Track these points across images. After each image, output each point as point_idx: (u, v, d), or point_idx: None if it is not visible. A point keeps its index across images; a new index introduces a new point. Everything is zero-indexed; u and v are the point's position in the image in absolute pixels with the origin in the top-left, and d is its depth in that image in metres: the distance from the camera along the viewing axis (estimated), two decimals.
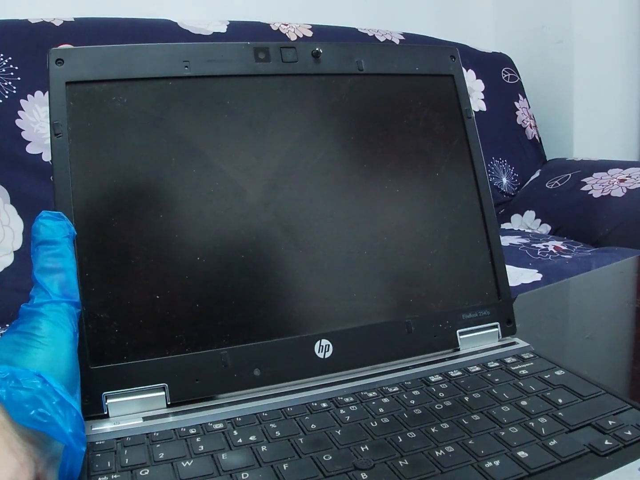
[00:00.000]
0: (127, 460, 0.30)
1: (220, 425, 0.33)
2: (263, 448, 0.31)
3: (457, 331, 0.42)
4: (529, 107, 1.73)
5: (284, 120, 0.40)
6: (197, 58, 0.39)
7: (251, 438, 0.32)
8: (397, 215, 0.42)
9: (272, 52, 0.40)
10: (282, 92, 0.41)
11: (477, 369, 0.39)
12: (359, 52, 0.42)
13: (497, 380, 0.38)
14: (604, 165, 1.48)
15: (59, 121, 0.35)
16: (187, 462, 0.30)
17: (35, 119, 1.08)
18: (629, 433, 0.31)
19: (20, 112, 1.07)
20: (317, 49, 0.41)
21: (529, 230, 1.47)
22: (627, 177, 1.39)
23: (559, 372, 0.38)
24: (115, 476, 0.29)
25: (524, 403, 0.35)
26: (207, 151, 0.38)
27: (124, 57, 0.37)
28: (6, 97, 1.07)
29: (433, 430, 0.32)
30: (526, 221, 1.51)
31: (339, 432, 0.32)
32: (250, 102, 0.40)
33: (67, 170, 0.35)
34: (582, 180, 1.46)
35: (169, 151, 0.37)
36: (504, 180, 1.64)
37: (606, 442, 0.30)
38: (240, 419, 0.34)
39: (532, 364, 0.40)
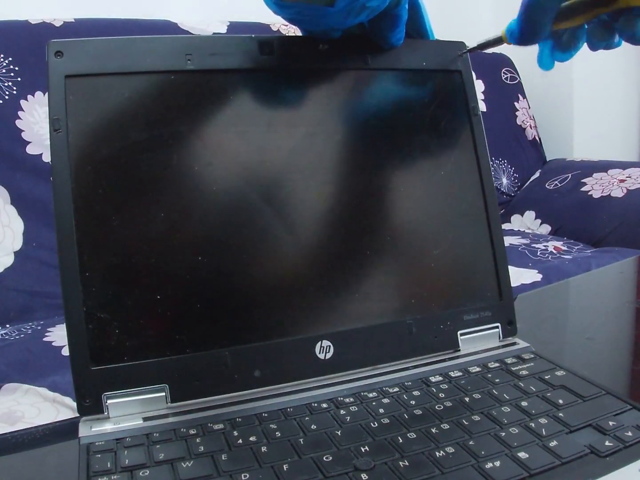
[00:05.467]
0: (127, 460, 0.30)
1: (220, 426, 0.33)
2: (263, 449, 0.31)
3: (458, 332, 0.42)
4: (529, 108, 1.73)
5: (288, 115, 0.40)
6: (200, 51, 0.38)
7: (251, 438, 0.32)
8: (401, 214, 0.42)
9: (277, 46, 0.39)
10: (287, 87, 0.40)
11: (478, 369, 0.39)
12: (366, 47, 0.42)
13: (497, 380, 0.37)
14: (603, 166, 1.48)
15: (58, 116, 0.35)
16: (187, 463, 0.30)
17: (36, 120, 1.08)
18: (630, 434, 0.31)
19: (20, 113, 1.07)
20: (322, 43, 0.41)
21: (529, 231, 1.47)
22: (627, 177, 1.39)
23: (559, 373, 0.38)
24: (115, 477, 0.29)
25: (524, 404, 0.34)
26: (209, 147, 0.38)
27: (126, 50, 0.36)
28: (6, 97, 1.07)
29: (433, 430, 0.32)
30: (526, 221, 1.51)
31: (339, 433, 0.32)
32: (254, 96, 0.39)
33: (67, 167, 0.35)
34: (582, 180, 1.46)
35: (171, 147, 0.37)
36: (504, 180, 1.64)
37: (607, 443, 0.30)
38: (240, 420, 0.34)
39: (532, 364, 0.40)
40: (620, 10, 0.38)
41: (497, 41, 0.41)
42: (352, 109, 0.41)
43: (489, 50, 1.70)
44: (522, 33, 0.38)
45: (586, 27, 0.41)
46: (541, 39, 0.39)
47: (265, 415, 0.34)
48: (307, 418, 0.34)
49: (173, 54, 0.37)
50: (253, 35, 0.39)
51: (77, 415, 0.34)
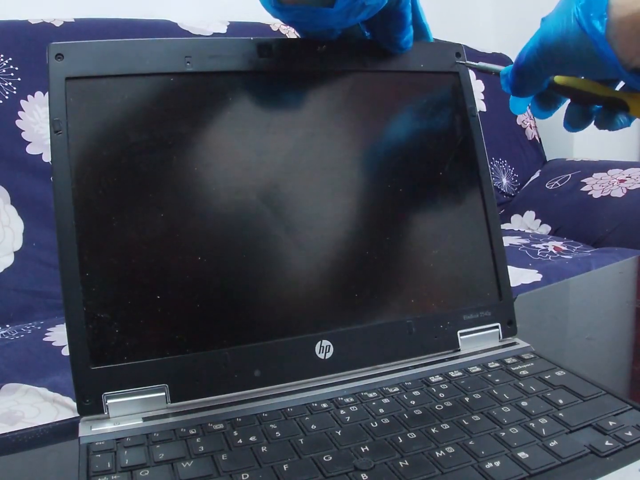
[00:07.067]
0: (126, 460, 0.30)
1: (220, 426, 0.33)
2: (263, 449, 0.31)
3: (458, 332, 0.42)
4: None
5: (287, 117, 0.40)
6: (199, 53, 0.38)
7: (251, 438, 0.32)
8: (400, 214, 0.42)
9: (276, 48, 0.40)
10: (285, 89, 0.40)
11: (478, 369, 0.39)
12: (364, 49, 0.42)
13: (497, 380, 0.38)
14: (603, 166, 1.48)
15: (58, 118, 0.35)
16: (187, 463, 0.30)
17: (36, 120, 1.08)
18: (630, 434, 0.31)
19: (20, 113, 1.07)
20: (321, 45, 0.41)
21: (529, 231, 1.47)
22: (627, 177, 1.39)
23: (559, 373, 0.38)
24: (115, 477, 0.29)
25: (524, 404, 0.34)
26: (208, 149, 0.38)
27: (125, 52, 0.37)
28: (6, 97, 1.07)
29: (433, 430, 0.32)
30: (526, 221, 1.51)
31: (339, 433, 0.32)
32: (253, 98, 0.39)
33: (67, 168, 0.35)
34: (582, 180, 1.45)
35: (170, 149, 0.37)
36: (504, 180, 1.64)
37: (607, 443, 0.30)
38: (240, 420, 0.34)
39: (532, 364, 0.40)
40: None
41: (496, 74, 0.41)
42: (350, 111, 0.42)
43: (489, 50, 1.71)
44: (514, 88, 0.38)
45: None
46: (532, 95, 0.39)
47: (265, 415, 0.34)
48: (307, 418, 0.34)
49: (172, 56, 0.38)
50: (252, 38, 0.39)
51: (77, 415, 0.34)
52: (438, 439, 0.31)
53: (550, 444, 0.30)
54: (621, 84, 0.36)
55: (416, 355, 0.41)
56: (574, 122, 0.39)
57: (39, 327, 0.95)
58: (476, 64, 0.43)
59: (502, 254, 0.44)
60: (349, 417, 0.34)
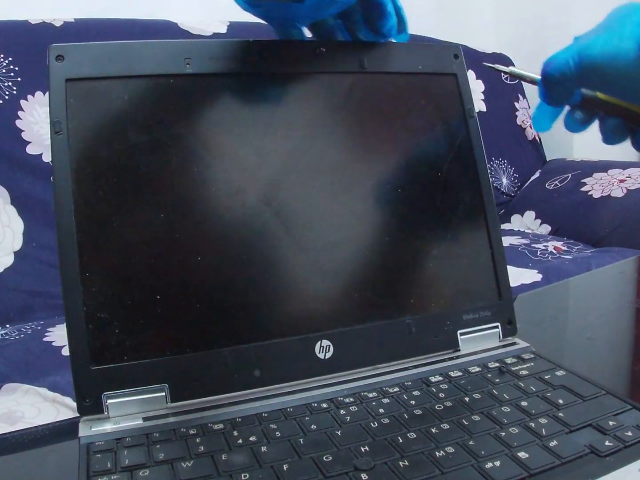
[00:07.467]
0: (126, 460, 0.30)
1: (220, 426, 0.33)
2: (263, 449, 0.31)
3: (458, 332, 0.42)
4: (529, 108, 1.73)
5: (286, 118, 0.40)
6: (198, 55, 0.38)
7: (251, 438, 0.32)
8: (399, 215, 0.42)
9: (275, 50, 0.40)
10: (285, 91, 0.40)
11: (478, 369, 0.39)
12: (362, 51, 0.42)
13: (497, 380, 0.38)
14: (603, 166, 1.48)
15: (59, 119, 0.35)
16: (187, 463, 0.30)
17: (36, 120, 1.08)
18: (630, 434, 0.31)
19: (20, 113, 1.07)
20: (320, 47, 0.41)
21: (529, 231, 1.47)
22: (627, 177, 1.39)
23: (559, 373, 0.38)
24: (115, 477, 0.29)
25: (524, 403, 0.34)
26: (208, 150, 0.38)
27: (125, 54, 0.37)
28: (6, 97, 1.07)
29: (433, 430, 0.32)
30: (526, 222, 1.51)
31: (339, 433, 0.32)
32: (252, 100, 0.39)
33: (68, 168, 0.35)
34: (582, 180, 1.46)
35: (170, 150, 0.37)
36: (504, 180, 1.64)
37: (607, 443, 0.30)
38: (240, 420, 0.34)
39: (532, 364, 0.40)
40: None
41: (532, 82, 0.39)
42: (349, 112, 0.42)
43: (489, 50, 1.71)
44: (544, 97, 0.37)
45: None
46: (563, 105, 0.38)
47: (265, 415, 0.34)
48: (307, 418, 0.34)
49: (172, 57, 0.38)
50: (251, 40, 0.39)
51: (77, 415, 0.34)
52: (438, 439, 0.31)
53: (550, 444, 0.30)
54: None
55: (416, 355, 0.41)
56: (616, 138, 0.38)
57: (39, 327, 0.95)
58: (507, 69, 0.41)
59: (501, 254, 0.44)
60: (349, 417, 0.34)
